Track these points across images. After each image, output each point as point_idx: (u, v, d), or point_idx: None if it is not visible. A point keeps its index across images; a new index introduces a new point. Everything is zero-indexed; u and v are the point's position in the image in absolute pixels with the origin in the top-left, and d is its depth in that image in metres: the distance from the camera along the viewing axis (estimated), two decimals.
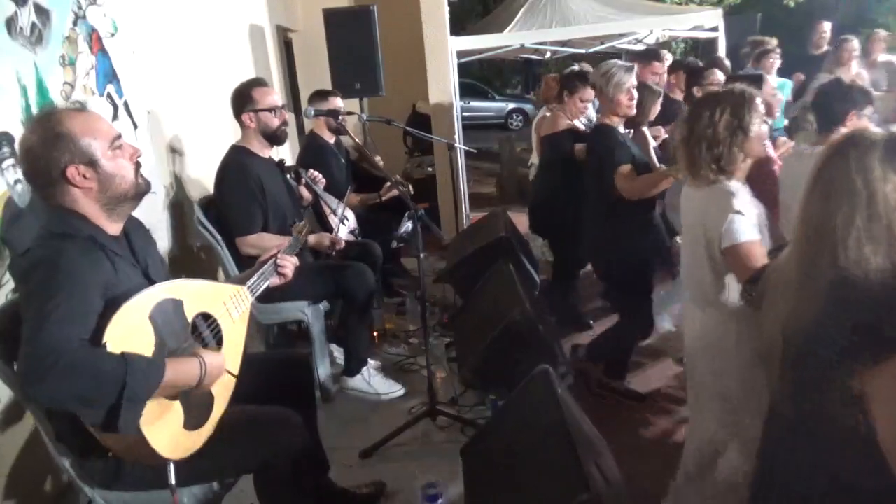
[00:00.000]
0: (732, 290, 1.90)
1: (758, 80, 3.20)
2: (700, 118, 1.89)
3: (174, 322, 1.58)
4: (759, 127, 1.89)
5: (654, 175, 2.73)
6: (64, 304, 1.36)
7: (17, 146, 1.59)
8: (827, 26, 5.91)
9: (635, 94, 2.83)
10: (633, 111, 2.88)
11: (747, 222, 1.81)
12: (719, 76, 3.71)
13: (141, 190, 1.63)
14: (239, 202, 2.84)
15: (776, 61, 4.93)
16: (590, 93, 3.51)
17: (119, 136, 1.59)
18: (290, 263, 2.02)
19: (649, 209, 2.89)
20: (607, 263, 3.02)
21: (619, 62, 2.91)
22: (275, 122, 2.93)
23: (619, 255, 2.87)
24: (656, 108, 3.41)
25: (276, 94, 3.02)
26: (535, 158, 4.53)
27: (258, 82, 2.99)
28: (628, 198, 2.71)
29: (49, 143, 1.48)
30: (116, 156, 1.57)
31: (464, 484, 2.03)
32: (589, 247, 3.11)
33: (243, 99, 2.90)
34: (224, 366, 1.66)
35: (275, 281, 2.00)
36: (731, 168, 1.88)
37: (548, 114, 4.30)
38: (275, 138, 2.98)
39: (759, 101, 1.91)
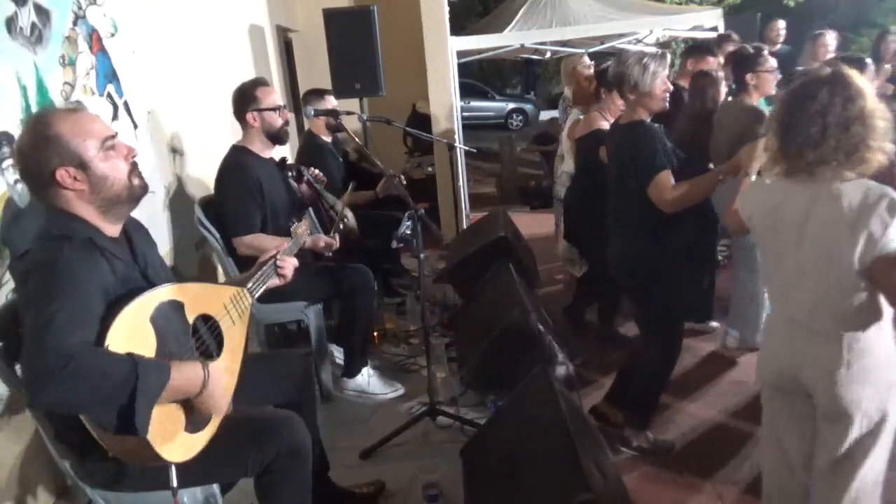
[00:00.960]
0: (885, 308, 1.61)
1: (860, 64, 2.96)
2: (815, 100, 1.59)
3: (175, 324, 1.58)
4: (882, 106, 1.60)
5: (703, 179, 2.34)
6: (65, 308, 1.35)
7: (14, 147, 1.59)
8: (782, 24, 5.95)
9: (670, 85, 2.51)
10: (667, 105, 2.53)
11: None
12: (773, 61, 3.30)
13: (136, 192, 1.60)
14: (237, 202, 2.84)
15: None
16: None
17: (112, 136, 1.56)
18: (289, 265, 2.02)
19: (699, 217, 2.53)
20: (640, 286, 2.58)
21: (646, 49, 2.54)
22: (278, 121, 2.94)
23: (655, 277, 2.48)
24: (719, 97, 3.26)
25: (277, 94, 3.03)
26: (567, 166, 4.11)
27: (261, 82, 2.99)
28: (668, 211, 2.33)
29: (38, 145, 1.47)
30: (109, 157, 1.54)
31: (464, 484, 2.03)
32: (617, 266, 2.65)
33: (246, 98, 2.90)
34: (230, 389, 1.64)
35: (274, 282, 2.00)
36: (874, 156, 1.59)
37: (581, 116, 3.90)
38: (278, 138, 2.98)
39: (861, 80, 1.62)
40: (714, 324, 3.60)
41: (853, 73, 1.61)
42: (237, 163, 2.90)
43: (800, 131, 1.62)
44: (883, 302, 1.61)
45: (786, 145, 1.66)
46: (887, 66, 5.31)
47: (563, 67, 5.01)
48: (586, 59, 4.69)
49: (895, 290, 1.54)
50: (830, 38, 5.38)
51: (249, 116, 2.90)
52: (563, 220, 3.81)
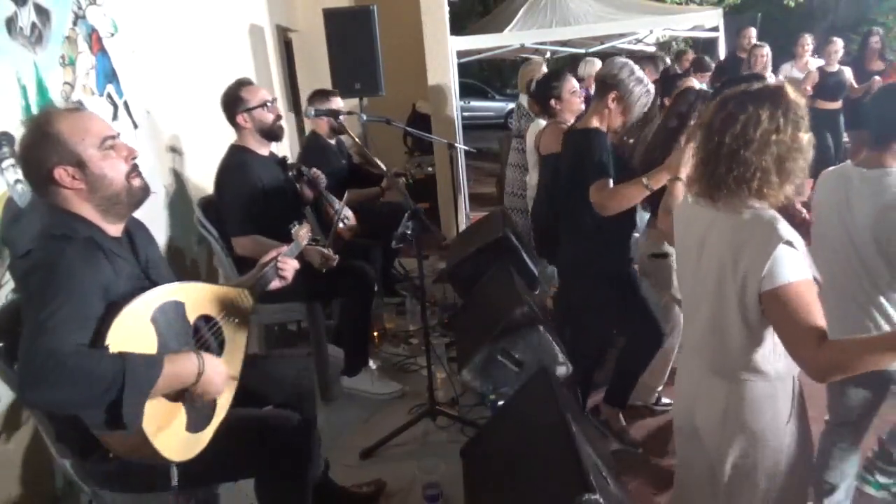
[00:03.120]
0: (777, 352, 1.46)
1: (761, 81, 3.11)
2: (733, 124, 1.43)
3: (176, 324, 1.58)
4: (808, 139, 1.43)
5: (631, 183, 2.35)
6: (62, 309, 1.35)
7: (16, 146, 1.59)
8: (753, 31, 6.13)
9: None
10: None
11: (799, 257, 1.38)
12: (693, 82, 3.44)
13: (136, 193, 1.60)
14: (237, 202, 2.83)
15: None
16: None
17: (112, 136, 1.56)
18: (290, 266, 2.02)
19: (629, 227, 2.64)
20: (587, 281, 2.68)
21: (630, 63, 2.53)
22: (269, 117, 2.92)
23: (596, 272, 2.61)
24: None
25: (263, 90, 3.00)
26: (534, 179, 4.00)
27: (244, 82, 2.97)
28: (602, 213, 2.40)
29: (38, 143, 1.48)
30: (108, 157, 1.54)
31: (464, 484, 2.03)
32: (567, 266, 2.79)
33: (233, 101, 2.89)
34: (227, 373, 1.64)
35: (275, 283, 2.00)
36: (775, 192, 1.43)
37: (542, 122, 3.80)
38: (272, 134, 2.96)
39: (803, 104, 1.45)
40: None
41: (793, 95, 1.44)
42: (237, 162, 2.89)
43: (706, 146, 1.49)
44: (776, 348, 1.45)
45: (707, 171, 1.51)
46: (813, 68, 5.47)
47: (521, 77, 4.79)
48: (545, 68, 4.66)
49: (785, 326, 1.38)
50: (809, 40, 5.54)
51: (240, 118, 2.90)
52: (537, 237, 3.68)
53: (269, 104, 2.92)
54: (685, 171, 2.04)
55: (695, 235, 1.58)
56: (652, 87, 2.50)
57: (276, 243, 2.41)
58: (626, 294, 2.61)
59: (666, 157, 2.25)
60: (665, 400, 3.02)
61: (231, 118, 2.92)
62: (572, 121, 3.27)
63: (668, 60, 4.14)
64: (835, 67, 5.56)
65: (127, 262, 1.60)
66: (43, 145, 1.47)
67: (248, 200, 2.83)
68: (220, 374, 1.59)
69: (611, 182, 2.37)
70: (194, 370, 1.51)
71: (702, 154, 1.51)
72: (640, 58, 5.06)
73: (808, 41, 5.78)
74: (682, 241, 1.69)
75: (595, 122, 2.50)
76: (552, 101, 3.33)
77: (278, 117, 2.97)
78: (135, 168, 1.61)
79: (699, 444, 1.62)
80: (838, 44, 5.50)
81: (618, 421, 2.82)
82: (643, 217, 2.93)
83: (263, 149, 2.98)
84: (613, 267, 2.60)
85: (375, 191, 4.00)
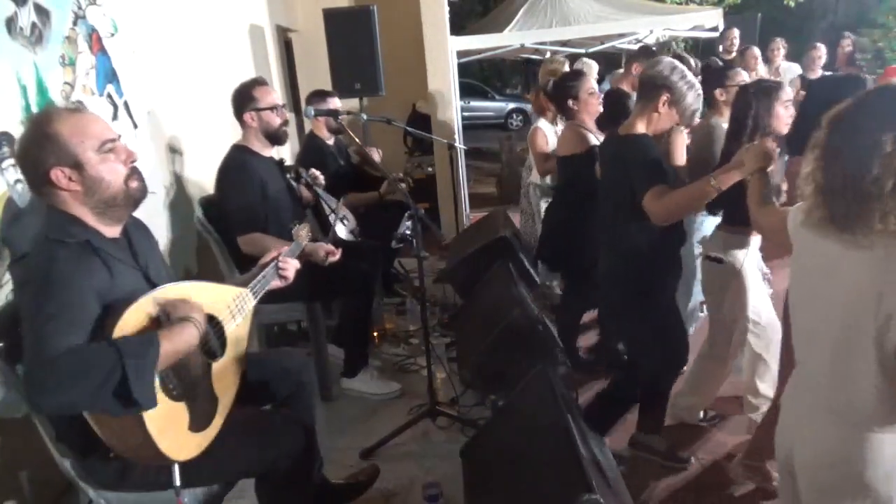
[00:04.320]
0: None
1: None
2: (862, 140, 1.25)
3: None
4: None
5: (694, 186, 2.12)
6: (59, 315, 1.36)
7: (16, 145, 1.60)
8: (737, 32, 6.03)
9: None
10: None
11: None
12: (744, 75, 3.13)
13: (134, 196, 1.60)
14: (240, 200, 2.84)
15: None
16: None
17: (112, 139, 1.55)
18: (291, 266, 2.02)
19: (679, 242, 2.42)
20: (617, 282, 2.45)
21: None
22: (276, 120, 2.93)
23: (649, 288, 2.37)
24: None
25: (276, 94, 3.03)
26: (535, 177, 4.08)
27: (259, 81, 2.99)
28: (659, 222, 2.17)
29: (37, 143, 1.47)
30: (106, 159, 1.53)
31: (464, 484, 2.03)
32: (609, 281, 2.51)
33: (244, 98, 2.90)
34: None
35: (276, 283, 2.00)
36: None
37: (542, 123, 3.89)
38: (276, 138, 2.97)
39: None
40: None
41: None
42: (238, 161, 2.90)
43: (828, 172, 1.30)
44: None
45: (830, 182, 1.30)
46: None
47: (542, 75, 4.54)
48: (595, 66, 4.63)
49: None
50: (782, 45, 5.52)
51: (247, 116, 2.90)
52: (544, 239, 3.54)
53: (278, 108, 2.94)
54: (758, 164, 1.87)
55: (816, 265, 1.40)
56: (701, 91, 2.30)
57: (281, 241, 2.42)
58: (663, 316, 2.40)
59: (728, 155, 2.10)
60: (710, 413, 2.86)
61: (238, 114, 2.92)
62: (590, 123, 3.21)
63: (693, 63, 3.87)
64: (817, 74, 5.31)
65: (125, 264, 1.60)
66: (42, 145, 1.47)
67: (252, 199, 2.84)
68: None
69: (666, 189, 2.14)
70: (194, 335, 1.51)
71: (821, 180, 1.33)
72: (633, 53, 4.97)
73: (780, 45, 5.68)
74: (798, 268, 1.50)
75: (641, 127, 2.28)
76: (569, 102, 3.21)
77: (285, 122, 2.99)
78: (133, 171, 1.60)
79: (793, 481, 1.52)
80: (821, 49, 5.33)
81: (660, 442, 2.60)
82: (703, 221, 2.88)
83: (265, 150, 2.99)
84: (655, 285, 2.36)
85: (374, 195, 4.00)
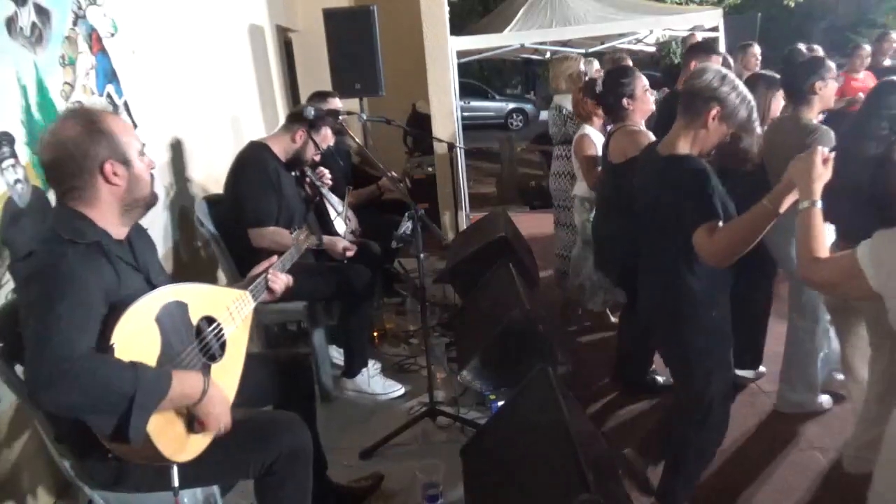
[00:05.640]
0: None
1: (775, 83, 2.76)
2: None
3: (179, 325, 1.58)
4: None
5: (747, 217, 1.79)
6: (70, 312, 1.36)
7: (45, 137, 1.58)
8: (758, 50, 5.89)
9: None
10: None
11: None
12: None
13: (152, 201, 1.70)
14: (257, 194, 2.87)
15: None
16: None
17: (144, 145, 1.66)
18: (280, 281, 2.01)
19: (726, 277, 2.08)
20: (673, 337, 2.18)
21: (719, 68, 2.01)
22: (311, 151, 3.07)
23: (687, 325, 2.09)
24: None
25: (332, 139, 3.22)
26: (581, 189, 3.67)
27: (341, 126, 3.11)
28: (714, 263, 1.89)
29: (91, 137, 1.52)
30: (142, 161, 1.63)
31: (464, 484, 2.03)
32: (649, 304, 2.24)
33: (315, 120, 3.00)
34: (228, 401, 1.65)
35: (265, 296, 1.99)
36: None
37: (589, 128, 3.53)
38: (297, 161, 3.08)
39: None
40: (762, 368, 3.16)
41: None
42: (257, 157, 2.95)
43: None
44: None
45: None
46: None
47: (556, 75, 4.39)
48: (595, 64, 4.45)
49: None
50: (758, 52, 5.33)
51: (300, 133, 3.00)
52: (597, 256, 3.29)
53: (320, 150, 3.09)
54: (819, 189, 1.55)
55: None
56: (753, 100, 1.97)
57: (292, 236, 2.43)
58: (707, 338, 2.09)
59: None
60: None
61: (296, 122, 3.02)
62: (642, 124, 2.97)
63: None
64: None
65: (129, 266, 1.62)
66: (96, 139, 1.52)
67: (268, 194, 2.87)
68: (222, 401, 1.60)
69: (720, 223, 1.84)
70: (198, 389, 1.52)
71: None
72: (689, 49, 4.29)
73: (757, 52, 5.64)
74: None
75: (684, 146, 1.97)
76: (625, 101, 2.89)
77: (315, 159, 3.15)
78: (152, 177, 1.70)
79: None
80: (866, 49, 5.24)
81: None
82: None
83: (281, 157, 3.04)
84: (703, 321, 2.06)
85: (373, 189, 4.01)
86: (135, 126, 2.83)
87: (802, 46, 5.27)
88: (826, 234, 1.51)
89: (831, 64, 2.71)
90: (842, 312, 2.45)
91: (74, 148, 1.51)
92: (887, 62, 5.73)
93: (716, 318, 2.06)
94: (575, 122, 3.86)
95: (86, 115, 1.56)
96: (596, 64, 4.63)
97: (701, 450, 2.21)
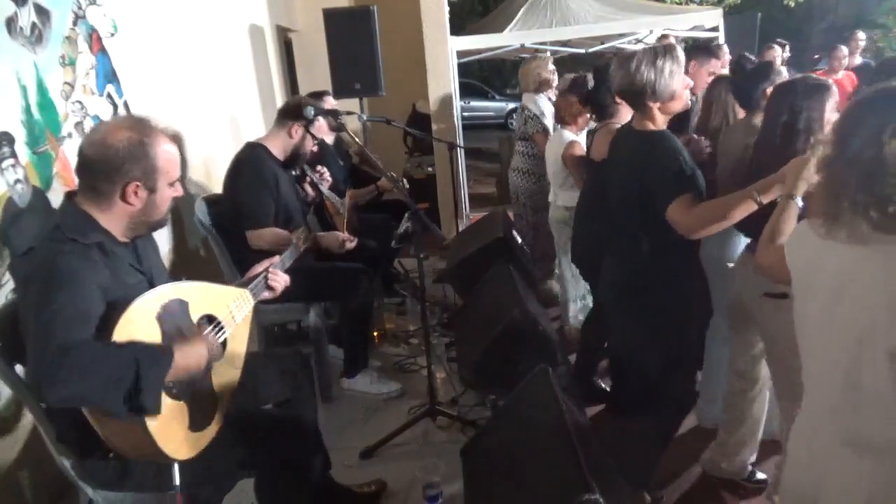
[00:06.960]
0: None
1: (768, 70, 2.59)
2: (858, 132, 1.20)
3: (180, 323, 1.59)
4: None
5: (735, 197, 1.83)
6: (69, 306, 1.37)
7: (96, 132, 1.60)
8: (779, 50, 5.84)
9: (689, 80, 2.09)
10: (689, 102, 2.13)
11: None
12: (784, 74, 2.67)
13: (162, 224, 1.71)
14: (254, 195, 2.85)
15: None
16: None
17: (179, 178, 1.65)
18: (280, 280, 2.02)
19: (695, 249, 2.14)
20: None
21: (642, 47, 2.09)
22: (309, 145, 3.03)
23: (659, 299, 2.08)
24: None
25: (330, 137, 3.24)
26: (568, 200, 3.58)
27: (334, 114, 3.04)
28: (690, 235, 1.92)
29: (132, 154, 1.53)
30: (169, 191, 1.63)
31: (464, 484, 2.03)
32: (608, 280, 2.28)
33: (309, 116, 2.95)
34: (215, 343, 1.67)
35: (265, 295, 2.00)
36: None
37: (569, 136, 3.51)
38: (295, 158, 3.05)
39: None
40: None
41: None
42: (255, 158, 2.93)
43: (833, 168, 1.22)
44: None
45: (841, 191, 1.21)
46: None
47: (525, 74, 4.39)
48: (551, 64, 4.40)
49: None
50: (779, 51, 5.36)
51: (295, 128, 2.96)
52: (575, 256, 3.30)
53: (317, 141, 3.06)
54: (802, 188, 1.58)
55: (826, 277, 1.28)
56: (666, 56, 1.96)
57: (289, 236, 2.43)
58: (684, 343, 2.11)
59: (774, 165, 1.79)
60: (760, 475, 2.46)
61: (287, 117, 2.98)
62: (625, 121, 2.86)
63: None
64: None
65: (131, 268, 1.63)
66: (135, 157, 1.53)
67: (265, 195, 2.86)
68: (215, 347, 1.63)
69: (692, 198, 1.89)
70: (203, 356, 1.54)
71: (829, 178, 1.25)
72: (691, 50, 3.96)
73: (778, 52, 5.61)
74: (803, 283, 1.37)
75: (656, 124, 2.03)
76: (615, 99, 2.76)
77: (313, 151, 3.10)
78: (171, 204, 1.69)
79: None
80: (843, 50, 5.30)
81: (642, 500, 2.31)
82: (737, 243, 2.43)
83: (279, 156, 3.03)
84: (670, 299, 2.06)
85: (372, 188, 4.01)
86: None
87: (776, 46, 5.35)
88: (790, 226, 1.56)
89: (781, 68, 2.70)
90: (740, 320, 2.34)
91: (114, 156, 1.52)
92: (858, 60, 5.84)
93: (669, 295, 2.05)
94: (539, 122, 4.09)
95: (141, 130, 1.56)
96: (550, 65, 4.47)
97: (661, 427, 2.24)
